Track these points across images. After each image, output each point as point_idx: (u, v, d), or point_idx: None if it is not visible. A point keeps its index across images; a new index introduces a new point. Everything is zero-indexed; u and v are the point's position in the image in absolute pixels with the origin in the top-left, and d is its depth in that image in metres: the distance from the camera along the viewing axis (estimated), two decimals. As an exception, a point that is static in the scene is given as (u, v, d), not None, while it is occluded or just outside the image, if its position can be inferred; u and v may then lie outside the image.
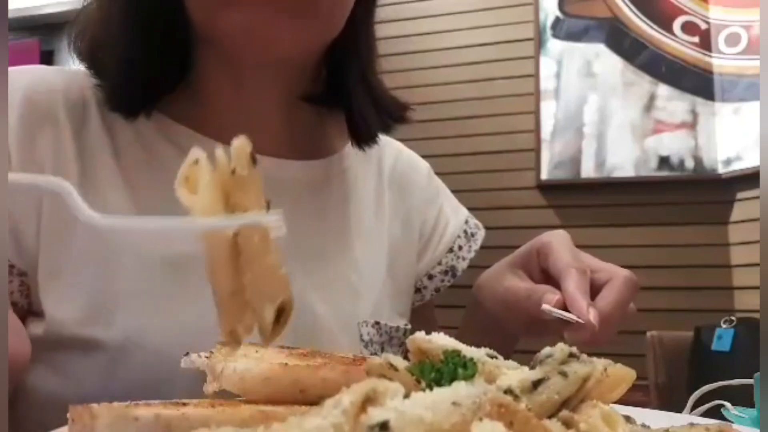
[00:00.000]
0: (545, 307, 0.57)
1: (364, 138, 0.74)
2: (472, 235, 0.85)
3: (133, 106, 0.64)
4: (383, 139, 0.78)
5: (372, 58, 0.74)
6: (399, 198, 0.81)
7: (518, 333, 0.71)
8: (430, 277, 0.82)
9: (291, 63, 0.67)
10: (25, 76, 0.64)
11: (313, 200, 0.71)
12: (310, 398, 0.37)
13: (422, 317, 0.80)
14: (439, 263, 0.82)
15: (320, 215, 0.71)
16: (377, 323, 0.70)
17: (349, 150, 0.77)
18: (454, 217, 0.85)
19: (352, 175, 0.77)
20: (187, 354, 0.45)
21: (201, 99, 0.68)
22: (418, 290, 0.82)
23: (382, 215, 0.78)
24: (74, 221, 0.60)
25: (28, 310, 0.59)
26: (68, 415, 0.33)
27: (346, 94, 0.71)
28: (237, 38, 0.60)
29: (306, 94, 0.72)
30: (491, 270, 0.71)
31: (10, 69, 0.65)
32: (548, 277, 0.62)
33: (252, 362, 0.40)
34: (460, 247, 0.83)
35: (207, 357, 0.43)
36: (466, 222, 0.86)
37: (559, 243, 0.62)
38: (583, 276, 0.59)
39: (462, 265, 0.83)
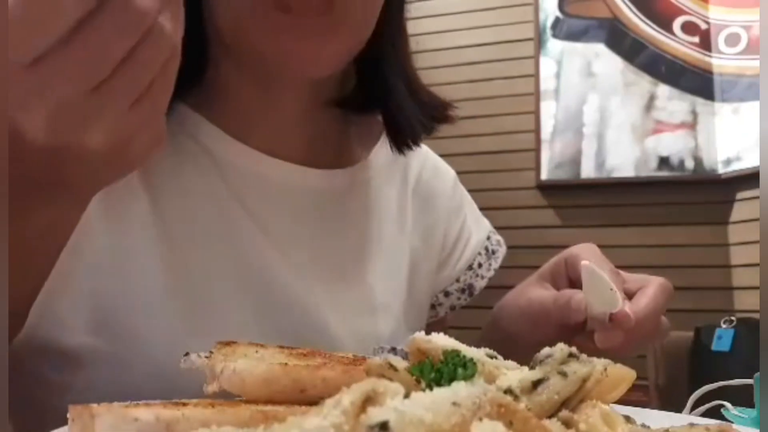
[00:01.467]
0: (585, 263, 0.56)
1: (406, 141, 0.70)
2: (493, 252, 0.82)
3: None
4: None
5: (408, 55, 0.70)
6: (422, 208, 0.77)
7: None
8: (447, 294, 0.79)
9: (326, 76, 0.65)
10: None
11: (334, 211, 0.69)
12: (310, 398, 0.37)
13: None
14: (457, 280, 0.79)
15: (341, 227, 0.69)
16: (393, 349, 0.68)
17: (374, 158, 0.74)
18: (476, 231, 0.82)
19: (375, 185, 0.73)
20: (186, 354, 0.45)
21: (228, 99, 0.65)
22: (432, 306, 0.79)
23: (404, 227, 0.74)
24: (86, 227, 0.59)
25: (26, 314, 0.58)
26: (68, 414, 0.33)
27: (386, 93, 0.68)
28: (277, 60, 0.58)
29: (333, 99, 0.69)
30: (513, 290, 0.69)
31: None
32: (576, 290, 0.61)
33: (252, 362, 0.40)
34: (480, 265, 0.80)
35: (206, 357, 0.43)
36: (488, 238, 0.82)
37: (589, 253, 0.61)
38: (617, 275, 0.58)
39: (480, 284, 0.80)
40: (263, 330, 0.60)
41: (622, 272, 0.60)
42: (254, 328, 0.60)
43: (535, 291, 0.64)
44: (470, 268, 0.80)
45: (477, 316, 0.77)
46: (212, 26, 0.62)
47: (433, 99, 0.72)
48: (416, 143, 0.71)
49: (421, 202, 0.78)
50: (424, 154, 0.82)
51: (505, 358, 0.46)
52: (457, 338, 0.43)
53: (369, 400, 0.26)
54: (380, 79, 0.68)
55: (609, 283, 0.55)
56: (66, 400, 0.54)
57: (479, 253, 0.80)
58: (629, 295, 0.57)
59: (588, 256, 0.60)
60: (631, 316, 0.53)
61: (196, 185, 0.62)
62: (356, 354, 0.51)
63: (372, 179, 0.74)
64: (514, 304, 0.67)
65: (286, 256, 0.63)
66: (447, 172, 0.84)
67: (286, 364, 0.40)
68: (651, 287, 0.57)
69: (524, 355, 0.65)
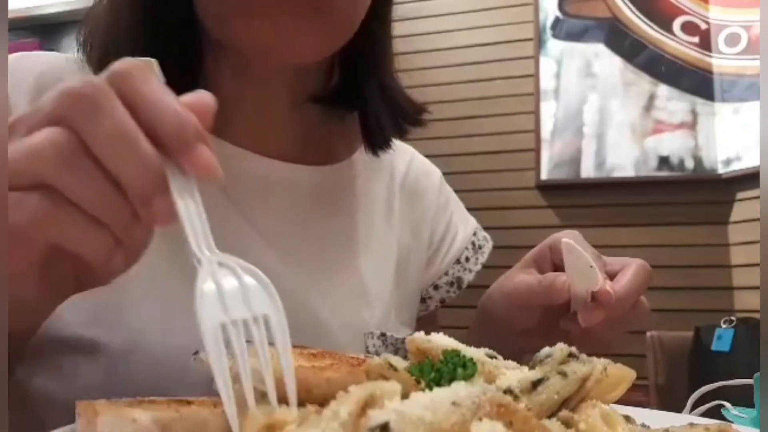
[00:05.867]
0: (565, 240, 0.58)
1: (378, 143, 0.72)
2: (480, 247, 0.85)
3: None
4: (396, 143, 0.77)
5: (388, 58, 0.72)
6: (410, 205, 0.80)
7: (527, 338, 0.67)
8: (436, 287, 0.81)
9: (304, 68, 0.66)
10: (36, 61, 0.63)
11: (321, 207, 0.70)
12: (316, 398, 0.37)
13: (426, 328, 0.80)
14: (446, 274, 0.81)
15: (328, 222, 0.70)
16: (383, 335, 0.69)
17: (360, 155, 0.75)
18: (463, 227, 0.84)
19: (362, 181, 0.75)
20: (196, 353, 0.45)
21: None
22: (422, 300, 0.81)
23: (392, 223, 0.76)
24: None
25: None
26: (76, 410, 0.34)
27: (360, 96, 0.70)
28: (257, 48, 0.59)
29: (317, 96, 0.70)
30: (500, 278, 0.70)
31: (22, 53, 0.64)
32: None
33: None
34: (467, 259, 0.83)
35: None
36: (474, 234, 0.85)
37: (572, 239, 0.63)
38: (599, 258, 0.60)
39: (468, 277, 0.82)
40: None
41: (603, 256, 0.62)
42: None
43: (520, 276, 0.66)
44: (458, 261, 0.82)
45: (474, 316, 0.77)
46: (201, 27, 0.63)
47: (407, 103, 0.74)
48: (388, 145, 0.73)
49: (408, 200, 0.80)
50: (410, 154, 0.85)
51: (494, 343, 0.46)
52: (455, 338, 0.43)
53: (369, 403, 0.26)
54: (356, 82, 0.69)
55: (588, 260, 0.56)
56: (66, 390, 0.55)
57: (466, 248, 0.83)
58: (611, 276, 0.59)
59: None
60: (611, 293, 0.55)
61: None
62: (357, 356, 0.51)
63: (358, 176, 0.75)
64: (501, 290, 0.69)
65: (275, 247, 0.65)
66: (433, 171, 0.86)
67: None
68: (631, 268, 0.59)
69: (512, 341, 0.67)
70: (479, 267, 0.84)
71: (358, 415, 0.25)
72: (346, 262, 0.70)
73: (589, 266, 0.56)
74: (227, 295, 0.34)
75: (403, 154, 0.83)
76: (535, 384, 0.37)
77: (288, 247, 0.66)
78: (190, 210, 0.35)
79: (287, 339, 0.34)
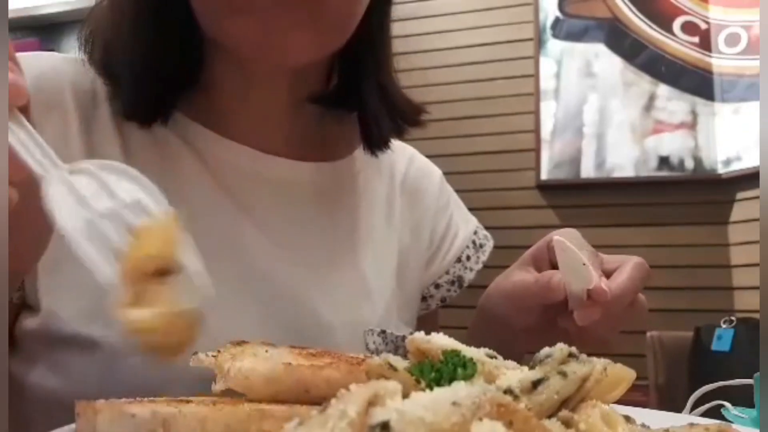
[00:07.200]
0: (557, 238, 0.58)
1: (376, 143, 0.73)
2: (481, 246, 0.85)
3: (150, 116, 0.62)
4: (396, 143, 0.77)
5: (387, 59, 0.72)
6: (410, 204, 0.80)
7: (526, 336, 0.68)
8: (437, 286, 0.82)
9: (303, 68, 0.66)
10: (36, 62, 0.63)
11: (322, 204, 0.70)
12: (315, 398, 0.37)
13: (427, 327, 0.80)
14: (447, 273, 0.82)
15: (329, 219, 0.70)
16: (383, 332, 0.69)
17: (360, 153, 0.76)
18: (464, 226, 0.85)
19: (363, 179, 0.75)
20: (195, 353, 0.45)
21: (212, 96, 0.67)
22: (423, 299, 0.81)
23: (392, 221, 0.76)
24: None
25: (22, 304, 0.58)
26: (76, 410, 0.34)
27: (359, 97, 0.70)
28: (249, 47, 0.59)
29: (316, 95, 0.70)
30: (498, 277, 0.71)
31: (22, 54, 0.64)
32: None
33: (257, 361, 0.40)
34: (468, 258, 0.83)
35: (214, 356, 0.43)
36: (475, 232, 0.85)
37: (569, 236, 0.63)
38: (596, 256, 0.59)
39: (469, 276, 0.83)
40: (256, 317, 0.61)
41: (601, 254, 0.62)
42: (247, 315, 0.61)
43: (518, 275, 0.66)
44: (459, 260, 0.82)
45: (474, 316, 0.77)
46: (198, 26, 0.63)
47: (406, 103, 0.74)
48: (386, 145, 0.74)
49: (409, 199, 0.80)
50: (410, 154, 0.85)
51: (494, 343, 0.46)
52: (455, 338, 0.43)
53: (371, 402, 0.26)
54: (355, 82, 0.70)
55: (581, 258, 0.57)
56: (63, 386, 0.55)
57: (467, 247, 0.83)
58: (608, 274, 0.59)
59: (569, 238, 0.62)
60: (606, 290, 0.55)
61: (186, 181, 0.64)
62: (357, 355, 0.51)
63: (359, 173, 0.76)
64: (499, 288, 0.69)
65: (278, 245, 0.65)
66: (433, 171, 0.86)
67: (289, 363, 0.40)
68: (627, 265, 0.59)
69: (512, 340, 0.67)
70: (480, 266, 0.84)
71: (364, 414, 0.25)
72: (347, 259, 0.70)
73: (581, 264, 0.56)
74: (87, 194, 0.32)
75: (403, 153, 0.83)
76: (535, 384, 0.37)
77: (289, 244, 0.66)
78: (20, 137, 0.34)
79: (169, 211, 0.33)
